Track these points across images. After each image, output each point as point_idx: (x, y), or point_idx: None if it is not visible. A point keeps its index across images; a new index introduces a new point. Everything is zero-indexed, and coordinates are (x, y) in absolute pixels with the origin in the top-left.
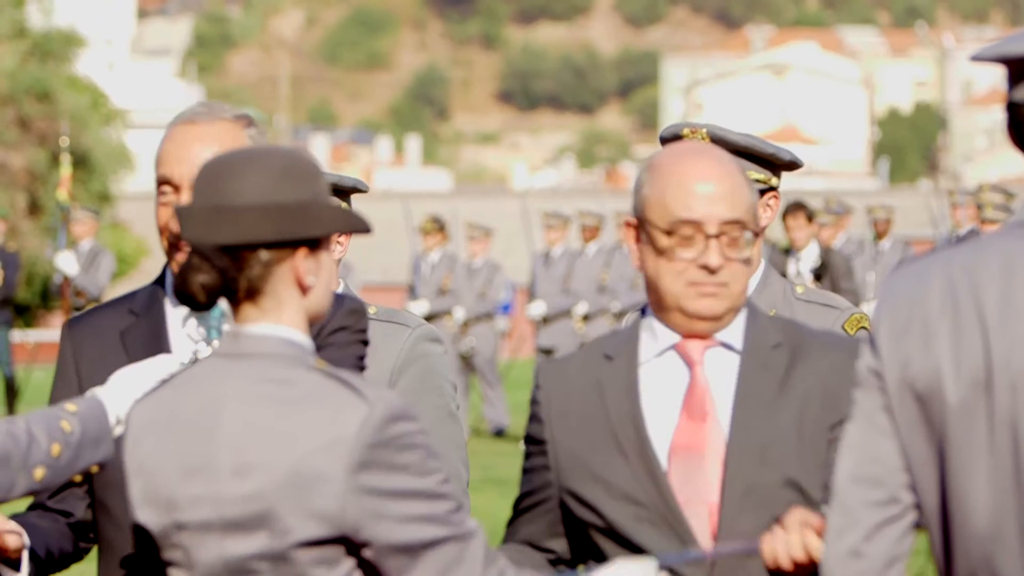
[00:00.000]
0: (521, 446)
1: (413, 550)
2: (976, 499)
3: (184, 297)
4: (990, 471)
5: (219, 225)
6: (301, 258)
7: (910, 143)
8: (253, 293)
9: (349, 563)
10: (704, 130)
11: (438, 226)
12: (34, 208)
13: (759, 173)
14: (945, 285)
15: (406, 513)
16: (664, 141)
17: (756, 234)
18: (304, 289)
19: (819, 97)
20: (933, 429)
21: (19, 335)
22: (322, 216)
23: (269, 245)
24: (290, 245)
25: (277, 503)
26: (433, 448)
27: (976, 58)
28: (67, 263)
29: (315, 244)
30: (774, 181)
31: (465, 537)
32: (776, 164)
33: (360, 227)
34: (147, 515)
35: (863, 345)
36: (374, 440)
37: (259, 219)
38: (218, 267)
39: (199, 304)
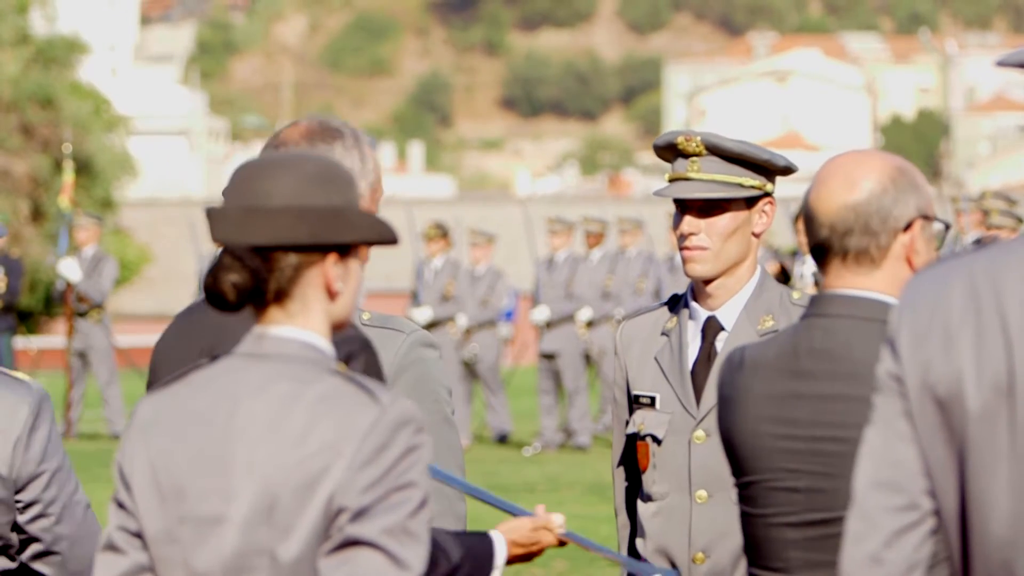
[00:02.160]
0: (525, 452)
1: (360, 546)
2: (996, 505)
3: (214, 297)
4: (1010, 477)
5: (252, 226)
6: (331, 264)
7: (913, 149)
8: (281, 296)
9: (348, 559)
10: (699, 138)
11: (441, 232)
12: (37, 215)
13: (754, 179)
14: (967, 290)
15: (388, 522)
16: (658, 149)
17: (756, 236)
18: (332, 295)
19: (822, 103)
20: (953, 434)
21: (22, 342)
22: (355, 223)
23: (301, 248)
24: (321, 250)
25: (281, 499)
26: (433, 463)
27: (1001, 64)
28: (70, 269)
29: (345, 250)
30: (769, 187)
31: (403, 566)
32: (771, 170)
33: (389, 237)
34: (148, 509)
35: (884, 349)
36: (381, 443)
37: (292, 221)
38: (250, 267)
39: (229, 304)
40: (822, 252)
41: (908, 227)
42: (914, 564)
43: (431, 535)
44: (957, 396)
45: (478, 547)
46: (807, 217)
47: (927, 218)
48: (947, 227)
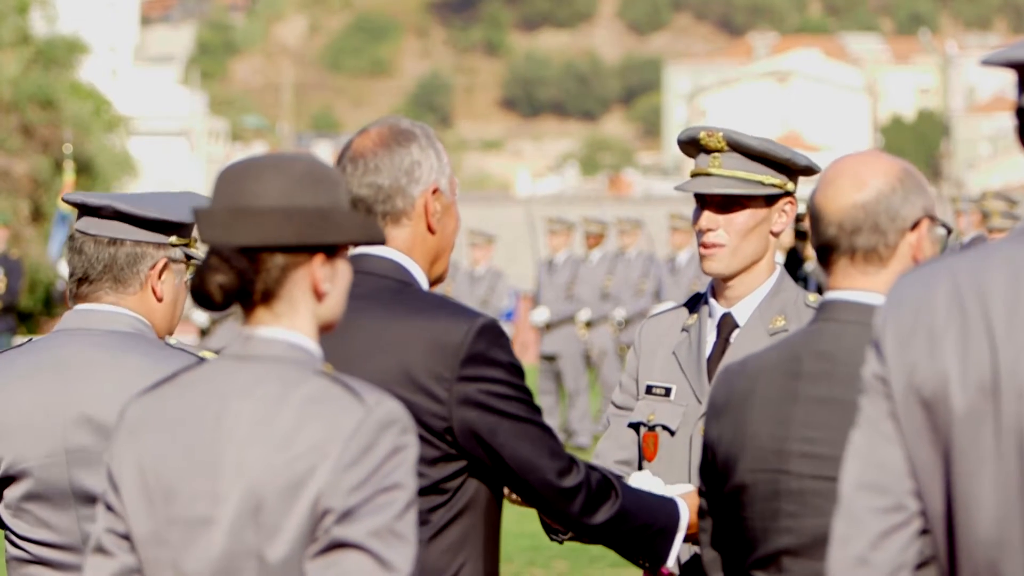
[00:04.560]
0: None
1: (346, 548)
2: (981, 505)
3: (200, 297)
4: (996, 477)
5: (239, 226)
6: (318, 264)
7: (913, 150)
8: (268, 297)
9: (335, 562)
10: (720, 134)
11: None
12: (37, 215)
13: (775, 178)
14: (951, 291)
15: (375, 524)
16: (681, 144)
17: (775, 235)
18: (319, 296)
19: (822, 104)
20: (939, 435)
21: (22, 342)
22: (342, 223)
23: (288, 249)
24: (308, 250)
25: (268, 500)
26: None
27: (986, 62)
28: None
29: (333, 251)
30: (789, 186)
31: (389, 567)
32: (792, 169)
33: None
34: (136, 511)
35: (869, 351)
36: (366, 443)
37: (279, 222)
38: (236, 268)
39: (215, 305)
40: (828, 251)
41: (915, 227)
42: (900, 565)
43: (628, 491)
44: (942, 397)
45: (665, 510)
46: (813, 216)
47: (932, 219)
48: (949, 231)
